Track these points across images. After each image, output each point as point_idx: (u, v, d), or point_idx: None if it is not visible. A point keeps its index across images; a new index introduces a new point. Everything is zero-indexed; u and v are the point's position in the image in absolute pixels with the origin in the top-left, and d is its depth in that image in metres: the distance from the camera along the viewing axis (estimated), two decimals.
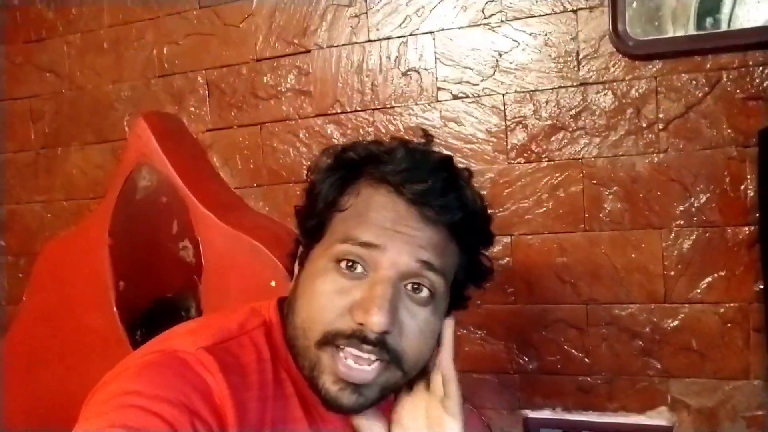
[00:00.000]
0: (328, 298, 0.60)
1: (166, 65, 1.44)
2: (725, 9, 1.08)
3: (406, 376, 0.63)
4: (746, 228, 1.07)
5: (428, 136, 0.70)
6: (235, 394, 0.56)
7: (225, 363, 0.57)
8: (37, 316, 1.42)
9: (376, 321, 0.57)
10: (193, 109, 1.42)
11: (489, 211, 0.70)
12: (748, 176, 1.06)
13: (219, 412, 0.54)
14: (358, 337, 0.58)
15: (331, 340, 0.59)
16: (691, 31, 1.09)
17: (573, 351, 1.18)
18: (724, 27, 1.07)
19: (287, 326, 0.65)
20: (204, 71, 1.41)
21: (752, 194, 1.06)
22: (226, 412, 0.55)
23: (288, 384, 0.63)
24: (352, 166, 0.66)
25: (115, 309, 1.35)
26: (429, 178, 0.62)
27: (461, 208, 0.64)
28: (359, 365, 0.58)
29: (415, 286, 0.61)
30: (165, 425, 0.50)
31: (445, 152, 0.67)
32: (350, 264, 0.60)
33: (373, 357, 0.59)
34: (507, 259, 1.20)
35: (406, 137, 0.67)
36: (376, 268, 0.60)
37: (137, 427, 0.49)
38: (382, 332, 0.58)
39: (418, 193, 0.61)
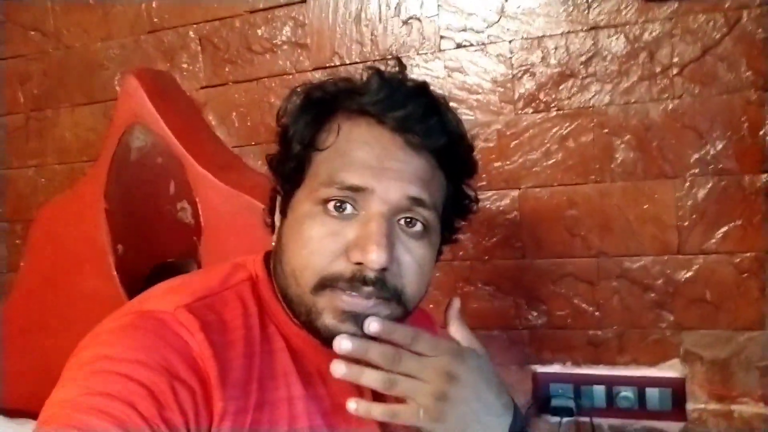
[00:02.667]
0: (319, 242, 0.57)
1: (155, 20, 1.38)
2: None
3: (404, 311, 0.60)
4: (764, 175, 1.04)
5: (401, 64, 0.66)
6: (218, 352, 0.54)
7: (205, 321, 0.55)
8: (35, 282, 1.39)
9: (375, 258, 0.54)
10: (185, 65, 1.37)
11: (470, 138, 0.68)
12: None
13: (200, 372, 0.52)
14: (358, 279, 0.55)
15: (328, 285, 0.56)
16: None
17: (583, 305, 1.16)
18: None
19: (276, 277, 0.63)
20: (195, 26, 1.35)
21: None
22: (209, 372, 0.53)
23: (277, 338, 0.61)
24: (326, 102, 0.62)
25: (114, 273, 1.32)
26: (409, 103, 0.59)
27: (445, 132, 0.61)
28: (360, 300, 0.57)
29: (408, 220, 0.59)
30: (143, 389, 0.48)
31: (420, 79, 0.64)
32: (338, 205, 0.57)
33: (372, 299, 0.56)
34: (515, 213, 1.17)
35: (380, 66, 0.63)
36: (366, 206, 0.57)
37: (113, 393, 0.47)
38: (382, 269, 0.55)
39: (400, 120, 0.58)
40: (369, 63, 0.59)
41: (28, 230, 1.43)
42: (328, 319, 0.57)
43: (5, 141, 1.54)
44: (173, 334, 0.53)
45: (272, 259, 0.65)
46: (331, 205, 0.57)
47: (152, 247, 1.32)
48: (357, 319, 0.56)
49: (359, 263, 0.55)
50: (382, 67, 0.64)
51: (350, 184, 0.56)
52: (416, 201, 0.58)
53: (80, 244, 1.34)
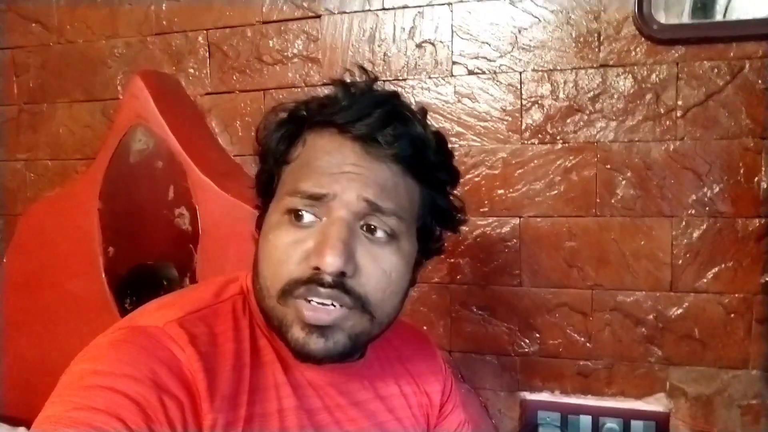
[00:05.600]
0: (284, 251, 0.57)
1: (164, 23, 1.36)
2: (720, 3, 1.07)
3: (376, 322, 0.60)
4: (757, 220, 1.07)
5: (369, 74, 0.66)
6: (207, 365, 0.54)
7: (195, 334, 0.56)
8: (18, 280, 1.35)
9: (329, 261, 0.54)
10: (192, 70, 1.35)
11: (447, 144, 0.67)
12: (763, 168, 1.06)
13: (189, 384, 0.53)
14: (315, 282, 0.55)
15: (290, 291, 0.57)
16: (686, 20, 1.08)
17: (575, 335, 1.18)
18: (719, 18, 1.07)
19: (254, 292, 0.63)
20: (205, 31, 1.34)
21: (765, 186, 1.06)
22: (197, 384, 0.53)
23: (268, 351, 0.61)
24: (298, 118, 0.64)
25: (103, 275, 1.29)
26: (373, 113, 0.59)
27: (408, 138, 0.60)
28: (323, 307, 0.56)
29: (372, 227, 0.59)
30: (131, 403, 0.48)
31: (392, 89, 0.65)
32: (301, 214, 0.58)
33: (335, 302, 0.56)
34: (515, 240, 1.18)
35: (348, 79, 0.65)
36: (327, 212, 0.58)
37: (101, 407, 0.47)
38: (339, 273, 0.55)
39: (362, 129, 0.59)
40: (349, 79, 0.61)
41: (12, 225, 1.40)
42: (297, 332, 0.57)
43: None
44: (162, 347, 0.54)
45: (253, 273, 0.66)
46: (294, 214, 0.58)
47: (144, 252, 1.29)
48: (323, 331, 0.56)
49: (317, 268, 0.55)
50: (349, 79, 0.65)
51: (310, 193, 0.57)
52: (373, 205, 0.58)
53: (69, 244, 1.31)
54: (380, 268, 0.58)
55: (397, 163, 0.60)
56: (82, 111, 1.43)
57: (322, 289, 0.55)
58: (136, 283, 1.30)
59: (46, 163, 1.47)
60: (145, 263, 1.30)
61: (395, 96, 0.64)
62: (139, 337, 0.54)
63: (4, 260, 1.37)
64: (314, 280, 0.55)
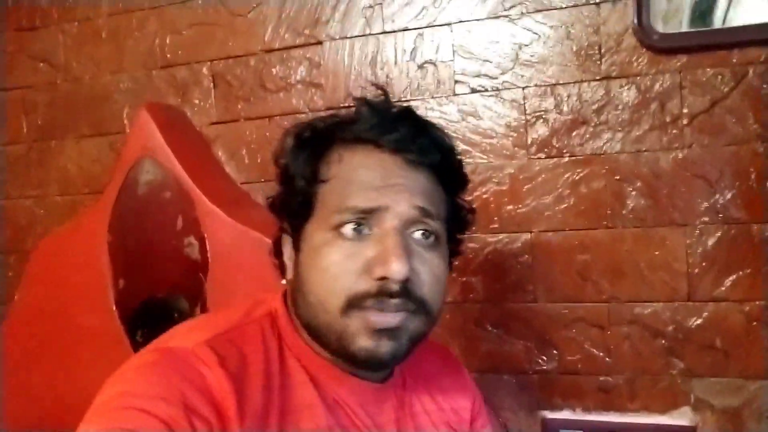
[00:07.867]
0: (339, 265, 0.59)
1: (168, 56, 1.38)
2: (719, 12, 1.07)
3: (430, 322, 0.63)
4: None
5: (383, 90, 0.70)
6: (237, 385, 0.55)
7: (224, 356, 0.57)
8: (30, 316, 1.35)
9: (397, 269, 0.56)
10: (197, 101, 1.37)
11: (458, 153, 0.72)
12: None
13: (219, 407, 0.53)
14: (384, 293, 0.57)
15: (356, 304, 0.58)
16: (685, 29, 1.08)
17: (594, 350, 1.16)
18: (717, 26, 1.07)
19: (298, 311, 0.64)
20: (209, 62, 1.36)
21: None
22: (227, 406, 0.54)
23: (299, 371, 0.62)
24: (322, 137, 0.66)
25: (114, 308, 1.29)
26: (400, 126, 0.63)
27: (438, 148, 0.65)
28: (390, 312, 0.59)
29: (422, 232, 0.62)
30: (161, 425, 0.49)
31: (405, 105, 0.69)
32: (354, 227, 0.60)
33: (400, 311, 0.58)
34: (527, 256, 1.17)
35: (365, 96, 0.68)
36: (379, 223, 0.60)
37: (133, 429, 0.48)
38: (405, 280, 0.57)
39: (396, 141, 0.62)
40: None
41: (23, 262, 1.40)
42: (363, 341, 0.58)
43: (5, 171, 1.52)
44: (192, 369, 0.54)
45: (291, 295, 0.66)
46: (346, 229, 0.59)
47: (155, 283, 1.29)
48: (392, 334, 0.58)
49: (383, 278, 0.57)
50: (368, 96, 0.68)
51: (363, 208, 0.59)
52: (424, 211, 0.61)
53: (80, 277, 1.31)
54: (431, 271, 0.61)
55: (430, 171, 0.64)
56: (90, 146, 1.45)
57: (391, 300, 0.57)
58: (147, 316, 1.29)
59: (55, 199, 1.48)
60: (155, 296, 1.29)
61: (412, 110, 0.67)
62: (169, 359, 0.55)
63: (15, 296, 1.37)
64: (384, 291, 0.57)
